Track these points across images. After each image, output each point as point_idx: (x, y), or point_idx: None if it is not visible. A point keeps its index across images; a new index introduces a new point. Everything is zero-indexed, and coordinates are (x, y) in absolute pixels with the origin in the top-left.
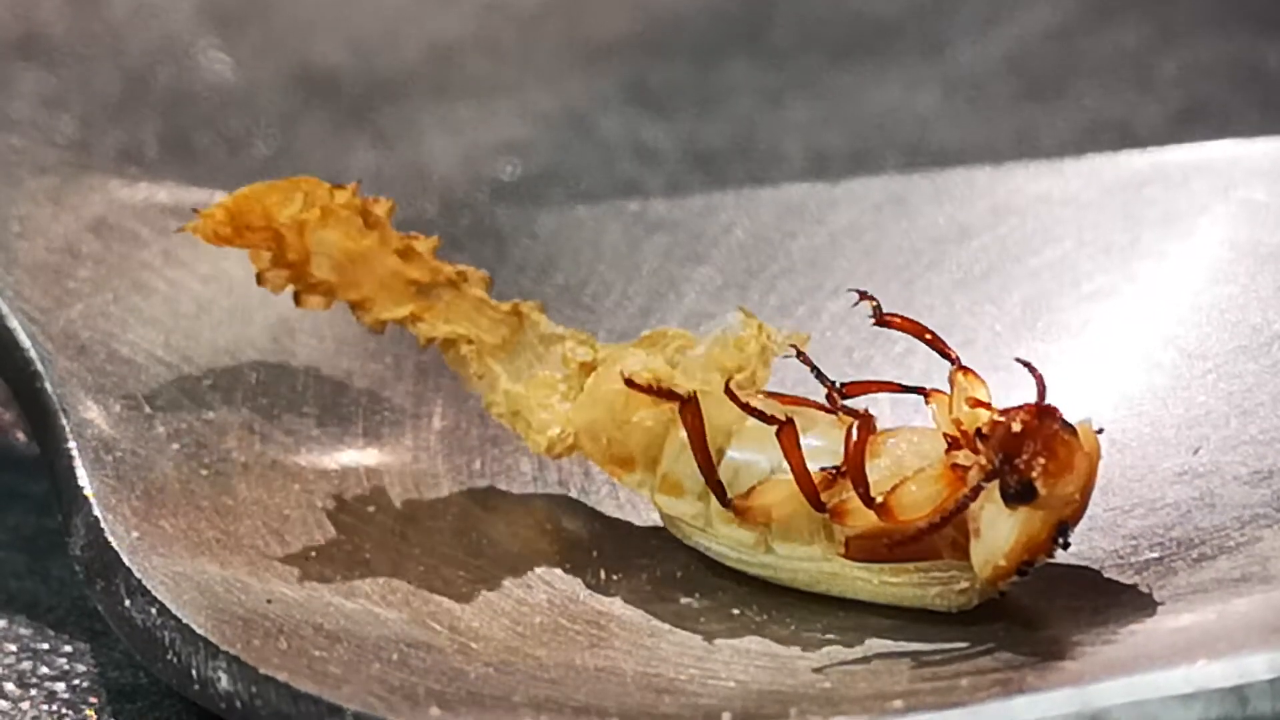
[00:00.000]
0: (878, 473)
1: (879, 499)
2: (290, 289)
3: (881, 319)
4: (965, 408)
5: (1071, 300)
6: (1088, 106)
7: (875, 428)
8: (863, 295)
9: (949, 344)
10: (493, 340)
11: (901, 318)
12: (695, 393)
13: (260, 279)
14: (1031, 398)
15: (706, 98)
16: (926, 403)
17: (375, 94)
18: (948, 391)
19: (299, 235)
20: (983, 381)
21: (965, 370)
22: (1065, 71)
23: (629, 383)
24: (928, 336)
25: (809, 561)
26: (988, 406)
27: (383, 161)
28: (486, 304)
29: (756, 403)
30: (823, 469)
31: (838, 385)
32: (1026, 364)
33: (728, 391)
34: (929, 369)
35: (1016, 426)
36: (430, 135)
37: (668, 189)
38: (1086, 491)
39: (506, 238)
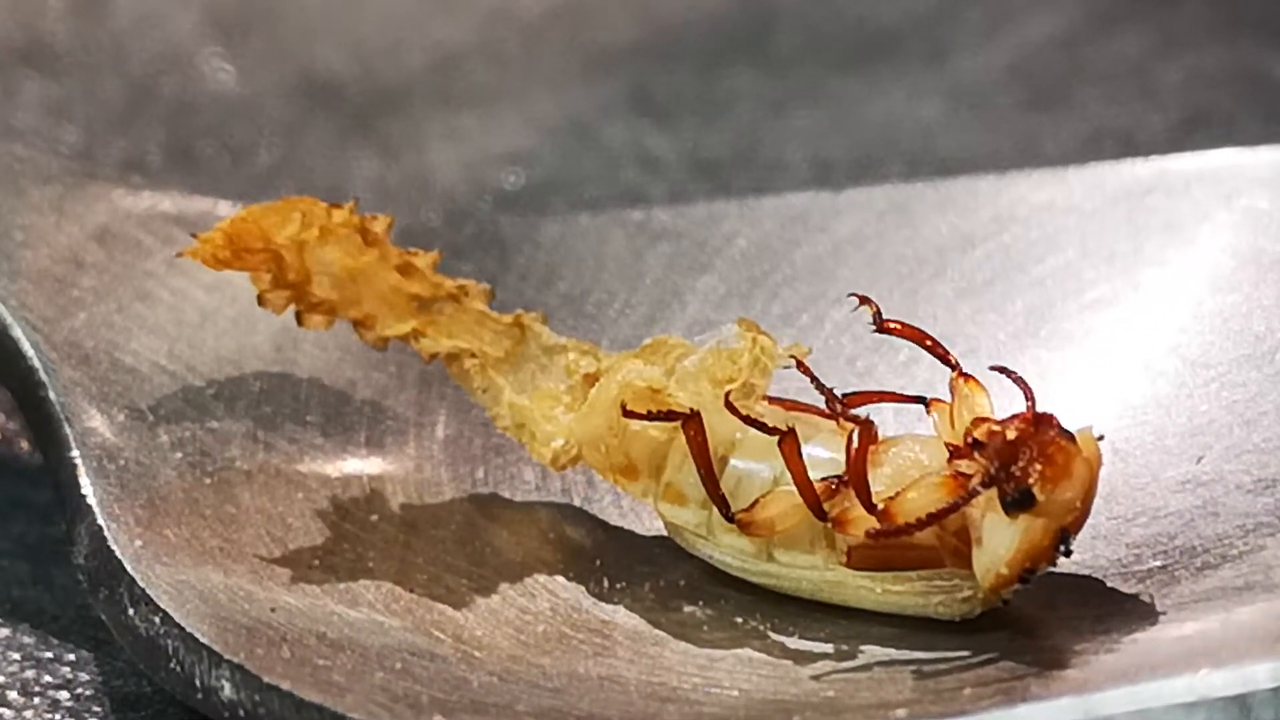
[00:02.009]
0: (880, 481)
1: (880, 506)
2: (292, 309)
3: (882, 325)
4: (965, 416)
5: (1074, 308)
6: (1090, 115)
7: (877, 436)
8: (863, 300)
9: (950, 350)
10: (495, 353)
11: (902, 324)
12: (697, 410)
13: (261, 300)
14: (1036, 406)
15: (710, 106)
16: (928, 412)
17: (378, 103)
18: (949, 399)
19: (299, 255)
20: (984, 388)
21: (966, 377)
22: (1068, 80)
23: (627, 413)
24: (928, 343)
25: (812, 570)
26: (985, 419)
27: (386, 170)
28: (488, 317)
29: (758, 411)
30: (825, 478)
31: (839, 396)
32: (1008, 372)
33: (728, 404)
34: (933, 378)
35: (1012, 434)
36: (433, 144)
37: (671, 198)
38: (1087, 499)
39: (510, 247)
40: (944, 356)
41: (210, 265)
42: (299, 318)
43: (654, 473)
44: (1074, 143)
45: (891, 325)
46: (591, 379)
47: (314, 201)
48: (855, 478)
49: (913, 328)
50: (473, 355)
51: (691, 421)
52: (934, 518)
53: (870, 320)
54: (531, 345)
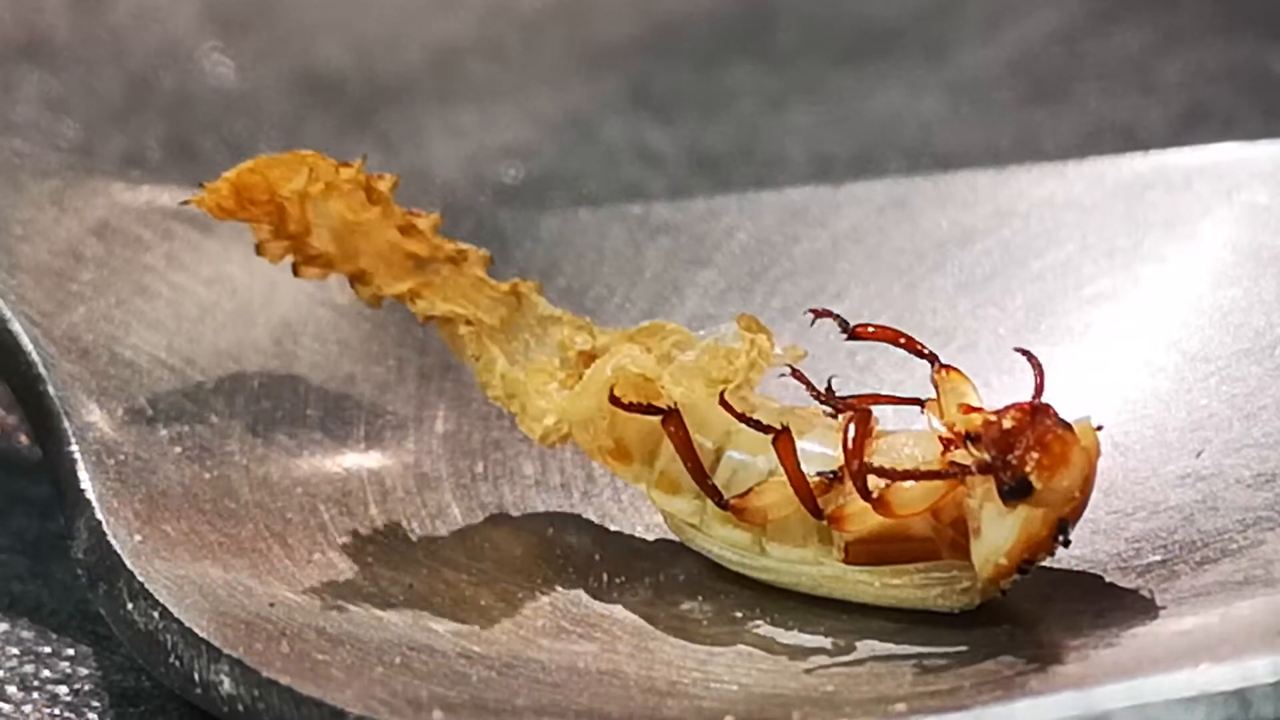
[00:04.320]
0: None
1: (876, 495)
2: (289, 260)
3: (852, 333)
4: (956, 411)
5: (1074, 303)
6: (1090, 109)
7: (873, 427)
8: (823, 313)
9: (927, 346)
10: (490, 320)
11: (873, 327)
12: (676, 406)
13: (259, 249)
14: (1044, 389)
15: (709, 101)
16: (923, 411)
17: (378, 97)
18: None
19: (300, 207)
20: (967, 379)
21: (947, 369)
22: (1068, 75)
23: (614, 401)
24: (902, 341)
25: (811, 565)
26: (978, 409)
27: (386, 165)
28: (485, 283)
29: (753, 404)
30: (820, 474)
31: (835, 401)
32: (1026, 354)
33: (722, 403)
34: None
35: (1008, 424)
36: (433, 139)
37: (670, 192)
38: (1086, 488)
39: (509, 241)
40: (919, 352)
41: (215, 215)
42: (295, 269)
43: (647, 458)
44: (1074, 137)
45: (862, 330)
46: (588, 357)
47: (321, 156)
48: (851, 465)
49: (884, 329)
50: (468, 322)
51: (671, 418)
52: (929, 474)
53: (841, 330)
54: (527, 315)
